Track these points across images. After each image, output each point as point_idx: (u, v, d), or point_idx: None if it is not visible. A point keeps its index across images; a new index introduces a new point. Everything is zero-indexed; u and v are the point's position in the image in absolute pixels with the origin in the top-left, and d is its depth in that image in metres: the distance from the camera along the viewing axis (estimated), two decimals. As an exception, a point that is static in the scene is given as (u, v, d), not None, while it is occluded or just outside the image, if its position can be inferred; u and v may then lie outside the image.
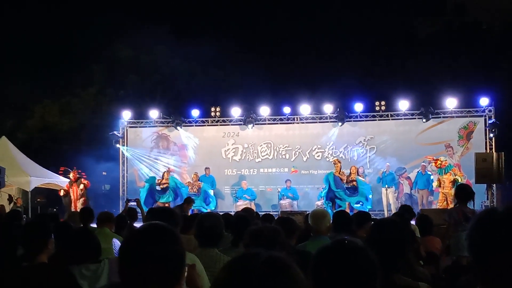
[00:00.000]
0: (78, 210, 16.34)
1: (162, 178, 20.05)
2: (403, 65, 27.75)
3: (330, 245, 2.20)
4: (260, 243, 3.89)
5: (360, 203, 18.06)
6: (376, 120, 21.59)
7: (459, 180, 17.09)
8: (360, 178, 18.73)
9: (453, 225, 7.91)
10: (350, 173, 18.50)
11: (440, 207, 16.58)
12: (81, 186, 19.02)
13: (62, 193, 19.32)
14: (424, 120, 20.63)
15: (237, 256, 1.71)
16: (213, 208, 19.43)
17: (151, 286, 2.05)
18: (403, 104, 20.83)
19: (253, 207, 17.75)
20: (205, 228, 4.58)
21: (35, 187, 19.58)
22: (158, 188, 19.96)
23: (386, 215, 17.88)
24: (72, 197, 18.82)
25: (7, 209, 15.97)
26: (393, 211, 17.10)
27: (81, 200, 18.81)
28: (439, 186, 17.69)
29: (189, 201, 12.50)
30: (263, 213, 10.84)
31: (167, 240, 2.15)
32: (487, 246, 1.84)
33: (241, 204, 19.10)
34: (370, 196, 18.63)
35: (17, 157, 20.03)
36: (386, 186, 19.27)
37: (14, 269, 2.17)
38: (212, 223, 4.61)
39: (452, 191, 16.61)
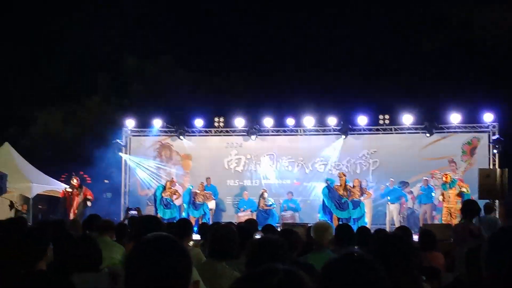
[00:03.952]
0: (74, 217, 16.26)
1: (165, 189, 19.12)
2: (408, 79, 27.75)
3: (340, 257, 2.14)
4: (262, 255, 3.83)
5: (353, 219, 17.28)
6: (379, 133, 21.53)
7: (465, 191, 17.01)
8: (363, 196, 18.19)
9: (458, 242, 7.83)
10: (354, 186, 18.18)
11: (445, 222, 16.47)
12: (88, 203, 18.75)
13: (61, 194, 19.08)
14: (427, 134, 20.55)
15: (254, 271, 1.70)
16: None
17: None
18: (407, 118, 20.77)
19: (255, 218, 17.48)
20: (218, 239, 4.49)
21: (37, 194, 19.46)
22: (163, 200, 18.99)
23: (388, 230, 17.62)
24: (72, 203, 18.57)
25: (8, 216, 15.79)
26: (397, 225, 16.98)
27: (80, 210, 18.44)
28: (443, 200, 17.53)
29: None
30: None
31: (174, 253, 2.11)
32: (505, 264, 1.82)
33: (243, 215, 18.95)
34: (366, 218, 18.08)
35: (20, 163, 19.95)
36: (388, 198, 19.12)
37: (13, 275, 2.13)
38: (229, 236, 4.51)
39: (458, 206, 16.47)
